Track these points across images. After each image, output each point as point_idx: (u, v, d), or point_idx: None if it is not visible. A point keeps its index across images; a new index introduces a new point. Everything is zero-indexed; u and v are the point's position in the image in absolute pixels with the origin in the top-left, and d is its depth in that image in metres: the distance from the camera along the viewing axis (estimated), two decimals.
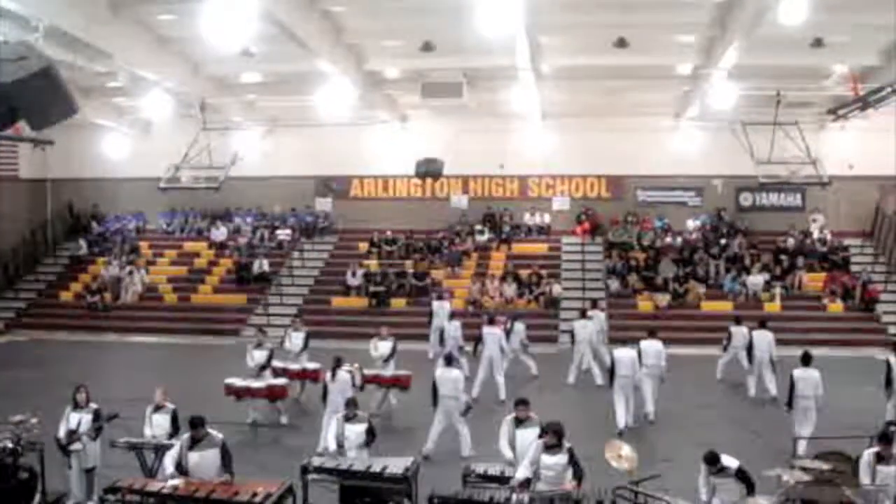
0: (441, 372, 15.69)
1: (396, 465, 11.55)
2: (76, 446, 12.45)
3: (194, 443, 11.09)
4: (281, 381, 18.18)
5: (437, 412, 15.46)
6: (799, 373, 15.26)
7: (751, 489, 10.55)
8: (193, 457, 11.00)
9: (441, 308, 25.38)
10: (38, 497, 12.12)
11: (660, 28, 22.06)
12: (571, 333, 22.54)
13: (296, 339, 20.17)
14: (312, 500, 11.62)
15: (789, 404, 15.26)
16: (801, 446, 14.61)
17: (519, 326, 22.85)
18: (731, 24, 20.81)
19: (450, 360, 16.10)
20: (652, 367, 18.27)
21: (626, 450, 11.21)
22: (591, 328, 22.33)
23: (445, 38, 23.09)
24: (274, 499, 10.50)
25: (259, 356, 18.48)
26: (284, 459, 12.97)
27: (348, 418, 12.53)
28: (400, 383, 18.57)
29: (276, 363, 19.11)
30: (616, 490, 10.57)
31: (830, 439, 12.78)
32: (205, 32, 18.69)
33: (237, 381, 17.59)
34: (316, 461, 11.78)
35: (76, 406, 12.88)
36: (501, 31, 19.37)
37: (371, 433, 12.50)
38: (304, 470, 11.63)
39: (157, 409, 13.03)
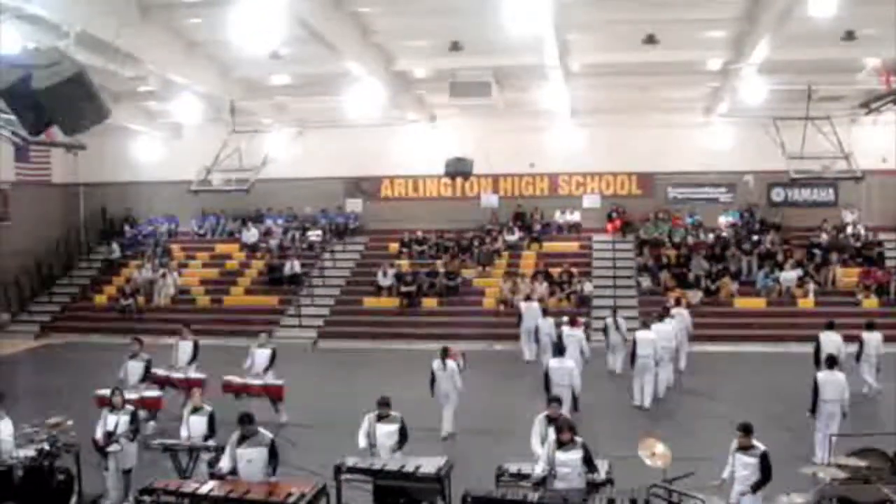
0: (554, 363, 16.59)
1: (430, 464, 11.57)
2: (114, 448, 12.56)
3: (242, 440, 11.20)
4: (155, 392, 17.43)
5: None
6: (823, 376, 14.82)
7: (765, 479, 10.57)
8: (240, 453, 11.11)
9: (530, 308, 25.17)
10: (74, 499, 12.27)
11: (689, 24, 21.89)
12: None
13: (184, 349, 19.42)
14: (346, 499, 11.65)
15: (813, 409, 14.87)
16: (821, 449, 14.42)
17: (620, 321, 22.89)
18: (761, 18, 20.62)
19: (561, 351, 17.13)
20: (665, 349, 20.06)
21: (659, 447, 11.18)
22: (684, 316, 22.37)
23: (473, 38, 23.04)
24: (308, 499, 10.55)
25: (134, 367, 17.64)
26: (318, 459, 12.99)
27: (380, 418, 12.54)
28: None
29: (160, 371, 18.50)
30: (650, 488, 10.54)
31: (867, 436, 12.65)
32: (233, 36, 18.82)
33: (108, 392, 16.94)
34: (349, 461, 11.81)
35: (112, 408, 13.01)
36: (529, 29, 19.39)
37: (403, 434, 12.51)
38: (338, 470, 11.67)
39: (195, 410, 13.11)
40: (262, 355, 18.87)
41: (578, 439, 10.87)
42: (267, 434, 11.38)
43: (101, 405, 15.74)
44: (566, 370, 16.51)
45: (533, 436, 12.10)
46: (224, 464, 11.24)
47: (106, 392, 16.43)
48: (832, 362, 15.16)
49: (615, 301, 29.02)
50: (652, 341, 19.42)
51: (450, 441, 16.22)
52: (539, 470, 10.85)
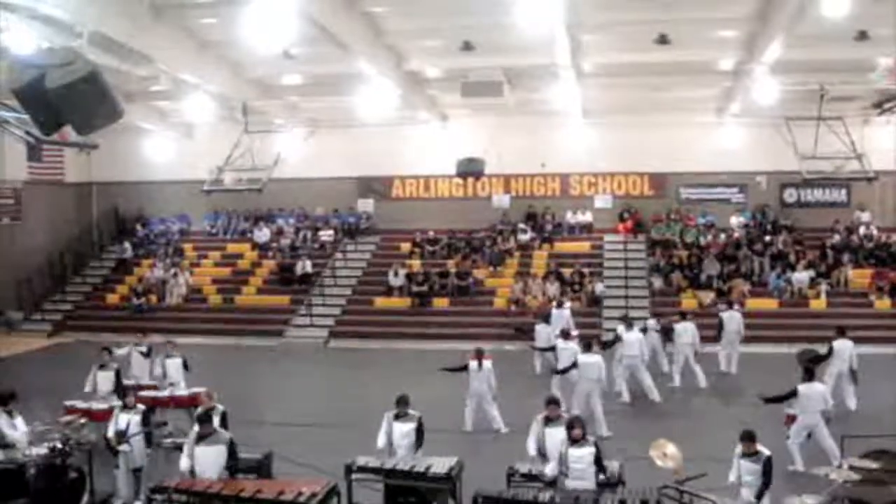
0: (584, 357, 17.09)
1: (441, 464, 11.57)
2: (125, 447, 12.59)
3: (200, 438, 11.20)
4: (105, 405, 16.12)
5: (576, 395, 16.71)
6: (804, 388, 14.48)
7: (766, 485, 10.51)
8: (198, 452, 11.11)
9: (560, 316, 24.14)
10: (86, 497, 12.29)
11: (701, 23, 21.85)
12: (720, 328, 22.76)
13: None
14: (357, 499, 11.66)
15: (769, 400, 14.81)
16: (799, 456, 14.25)
17: (688, 326, 21.89)
18: (774, 18, 20.58)
19: (589, 346, 17.46)
20: (684, 346, 21.42)
21: (671, 448, 11.14)
22: (738, 318, 22.73)
23: (485, 37, 23.05)
24: (319, 498, 10.55)
25: (103, 377, 17.06)
26: (329, 458, 13.01)
27: (397, 416, 12.52)
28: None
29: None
30: (661, 489, 10.51)
31: (878, 438, 12.61)
32: (246, 35, 18.85)
33: (79, 404, 16.16)
34: (360, 460, 11.81)
35: (125, 407, 13.05)
36: (541, 29, 19.43)
37: (420, 433, 12.49)
38: (349, 469, 11.68)
39: (208, 410, 13.11)
40: (173, 365, 17.94)
41: (590, 437, 10.90)
42: (225, 433, 11.37)
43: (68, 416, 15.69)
44: (596, 364, 16.84)
45: (530, 436, 12.17)
46: (183, 463, 11.24)
47: (76, 403, 16.46)
48: (811, 374, 14.84)
49: (627, 302, 28.98)
50: (639, 342, 20.06)
51: (462, 440, 16.21)
52: (549, 470, 10.89)
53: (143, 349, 19.18)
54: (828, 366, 18.29)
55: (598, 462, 10.76)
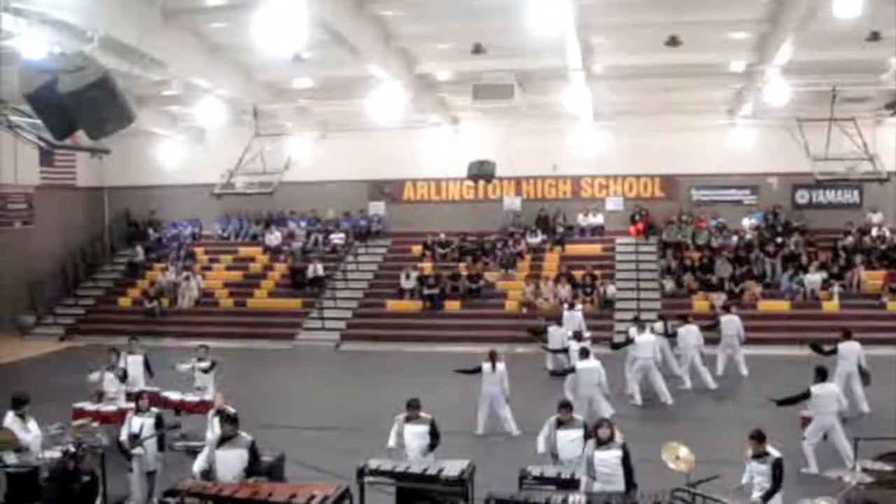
0: (582, 364, 16.96)
1: (453, 467, 11.54)
2: (138, 450, 12.62)
3: (222, 441, 11.19)
4: (132, 404, 15.56)
5: (578, 401, 16.24)
6: (817, 389, 14.50)
7: (775, 488, 10.44)
8: (219, 455, 11.09)
9: (572, 317, 24.35)
10: (99, 500, 12.28)
11: (712, 25, 21.80)
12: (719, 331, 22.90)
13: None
14: (369, 502, 11.64)
15: (781, 402, 14.71)
16: (813, 459, 14.25)
17: (692, 328, 21.85)
18: (785, 19, 20.52)
19: (586, 353, 17.29)
20: (690, 349, 21.42)
21: (683, 451, 11.09)
22: (736, 322, 22.75)
23: (496, 40, 23.05)
24: (331, 501, 10.52)
25: (110, 380, 17.15)
26: (341, 462, 13.00)
27: (409, 419, 12.52)
28: None
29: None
30: (674, 492, 10.47)
31: (892, 440, 12.54)
32: (257, 39, 18.86)
33: (88, 406, 16.49)
34: (372, 463, 11.79)
35: (138, 410, 13.07)
36: (552, 31, 19.40)
37: (434, 435, 12.48)
38: (361, 472, 11.66)
39: (219, 413, 13.12)
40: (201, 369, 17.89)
41: (618, 439, 10.83)
42: (247, 436, 11.34)
43: (75, 418, 15.72)
44: (595, 370, 16.75)
45: (540, 435, 12.30)
46: (198, 465, 11.21)
47: (84, 406, 16.54)
48: (824, 375, 14.84)
49: (638, 304, 28.91)
50: (652, 344, 20.09)
51: (474, 443, 16.20)
52: (584, 481, 10.80)
53: (139, 354, 18.84)
54: (835, 367, 18.17)
55: (626, 465, 10.71)
